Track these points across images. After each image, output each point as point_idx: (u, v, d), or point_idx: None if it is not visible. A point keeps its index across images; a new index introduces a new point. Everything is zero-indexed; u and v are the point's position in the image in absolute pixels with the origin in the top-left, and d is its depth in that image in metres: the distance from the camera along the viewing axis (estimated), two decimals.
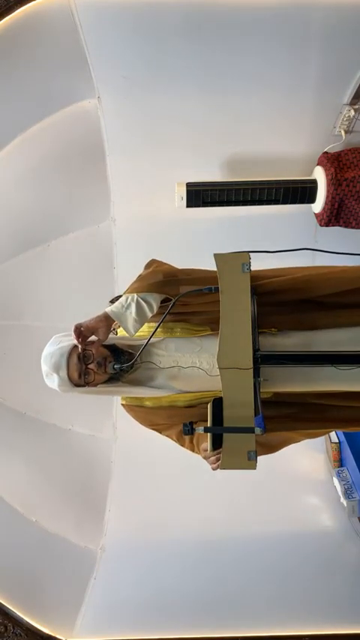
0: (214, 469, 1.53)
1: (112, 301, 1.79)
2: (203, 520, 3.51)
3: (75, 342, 1.70)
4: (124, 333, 1.83)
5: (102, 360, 1.70)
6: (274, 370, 1.66)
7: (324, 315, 1.73)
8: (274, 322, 1.71)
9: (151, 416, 1.82)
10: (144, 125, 3.29)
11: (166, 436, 1.86)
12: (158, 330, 1.70)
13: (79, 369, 1.68)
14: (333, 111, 3.16)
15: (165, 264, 1.84)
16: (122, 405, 1.89)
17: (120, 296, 1.80)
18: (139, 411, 1.83)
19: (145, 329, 1.77)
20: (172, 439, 1.85)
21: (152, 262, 1.85)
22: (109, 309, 1.73)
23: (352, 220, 3.26)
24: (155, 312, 1.74)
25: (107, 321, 1.72)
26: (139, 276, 1.80)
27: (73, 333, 1.66)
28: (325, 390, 1.73)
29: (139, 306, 1.70)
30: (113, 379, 1.76)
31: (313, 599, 3.08)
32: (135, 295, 1.71)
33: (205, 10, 2.76)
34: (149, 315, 1.73)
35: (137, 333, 1.77)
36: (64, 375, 1.69)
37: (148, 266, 1.84)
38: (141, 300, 1.71)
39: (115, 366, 1.70)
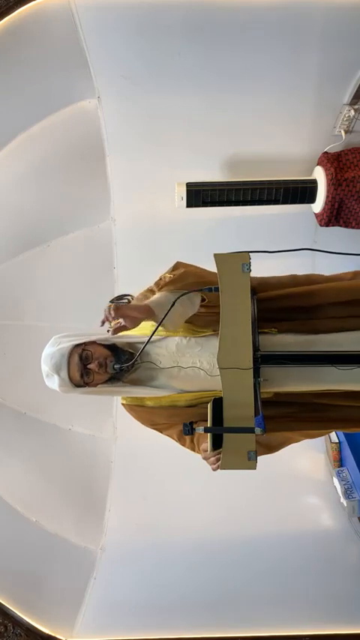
0: (214, 469, 1.53)
1: (112, 301, 1.77)
2: (203, 520, 3.50)
3: (75, 342, 1.70)
4: (124, 332, 1.83)
5: (103, 359, 1.70)
6: (275, 370, 1.66)
7: (328, 322, 1.73)
8: (275, 324, 1.71)
9: (151, 416, 1.82)
10: (144, 125, 3.29)
11: (167, 436, 1.86)
12: (160, 328, 1.70)
13: (80, 369, 1.68)
14: (333, 111, 3.16)
15: (192, 265, 1.81)
16: (122, 404, 1.89)
17: (121, 296, 1.80)
18: (139, 410, 1.83)
19: (148, 326, 1.77)
20: (173, 439, 1.85)
21: (179, 265, 1.80)
22: (152, 302, 1.65)
23: (352, 220, 3.26)
24: (197, 310, 1.72)
25: (147, 313, 1.63)
26: (175, 275, 1.74)
27: (108, 310, 1.58)
28: (326, 390, 1.73)
29: (185, 303, 1.66)
30: (114, 379, 1.75)
31: (313, 599, 3.08)
32: (178, 293, 1.64)
33: (205, 10, 2.76)
34: (191, 313, 1.70)
35: (138, 332, 1.77)
36: (64, 376, 1.69)
37: (175, 268, 1.79)
38: (186, 298, 1.65)
39: (116, 366, 1.70)
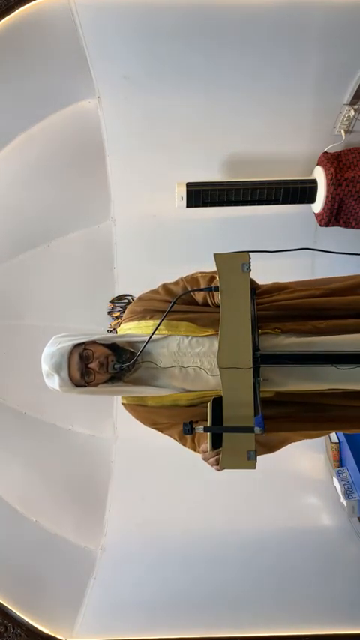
0: (218, 470, 1.52)
1: (112, 301, 1.78)
2: (203, 520, 3.50)
3: (75, 342, 1.70)
4: (124, 331, 1.84)
5: (104, 359, 1.69)
6: (275, 370, 1.65)
7: (332, 325, 1.74)
8: (277, 324, 1.72)
9: (152, 415, 1.81)
10: (144, 125, 3.29)
11: (168, 435, 1.86)
12: (162, 327, 1.70)
13: (81, 369, 1.68)
14: (333, 111, 3.16)
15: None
16: (123, 404, 1.88)
17: (121, 296, 1.80)
18: (140, 410, 1.83)
19: (150, 324, 1.77)
20: (174, 438, 1.84)
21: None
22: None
23: (352, 220, 3.26)
24: None
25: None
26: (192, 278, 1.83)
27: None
28: (327, 390, 1.72)
29: None
30: (115, 379, 1.75)
31: (313, 599, 3.08)
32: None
33: (204, 10, 2.76)
34: None
35: (139, 331, 1.77)
36: (64, 376, 1.68)
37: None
38: None
39: (117, 365, 1.69)
